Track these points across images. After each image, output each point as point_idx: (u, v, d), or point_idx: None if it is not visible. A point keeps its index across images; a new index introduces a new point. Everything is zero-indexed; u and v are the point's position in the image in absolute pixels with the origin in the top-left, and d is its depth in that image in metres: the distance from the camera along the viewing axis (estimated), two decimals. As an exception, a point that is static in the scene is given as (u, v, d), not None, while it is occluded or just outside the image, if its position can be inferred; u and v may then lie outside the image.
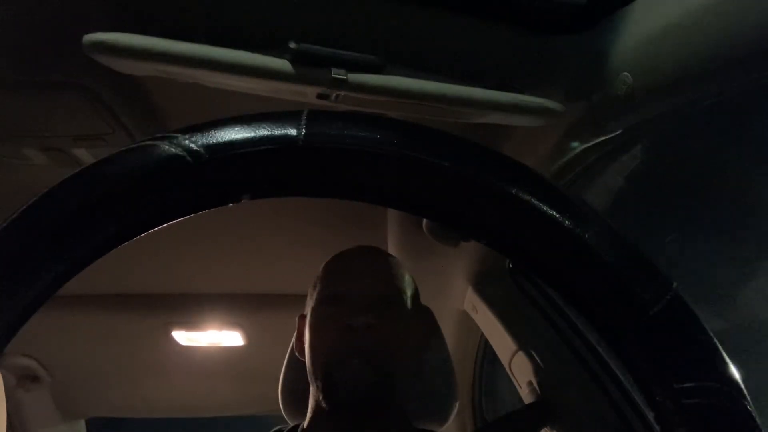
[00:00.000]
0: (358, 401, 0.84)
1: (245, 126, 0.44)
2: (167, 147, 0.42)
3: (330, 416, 0.87)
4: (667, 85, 0.81)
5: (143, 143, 0.43)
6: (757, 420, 0.41)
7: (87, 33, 0.76)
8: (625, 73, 0.84)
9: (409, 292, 0.95)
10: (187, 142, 0.42)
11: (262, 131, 0.43)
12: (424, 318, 1.00)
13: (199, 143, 0.42)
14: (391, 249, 1.51)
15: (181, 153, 0.41)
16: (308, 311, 0.95)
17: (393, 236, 1.52)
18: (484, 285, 1.41)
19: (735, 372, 0.42)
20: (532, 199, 0.45)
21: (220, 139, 0.43)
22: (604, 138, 0.97)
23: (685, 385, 0.41)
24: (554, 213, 0.45)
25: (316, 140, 0.43)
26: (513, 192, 0.45)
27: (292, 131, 0.43)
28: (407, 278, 0.97)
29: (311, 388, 0.91)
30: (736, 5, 0.67)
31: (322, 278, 0.96)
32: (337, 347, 0.86)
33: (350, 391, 0.83)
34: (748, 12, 0.66)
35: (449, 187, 0.45)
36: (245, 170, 0.43)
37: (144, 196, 0.41)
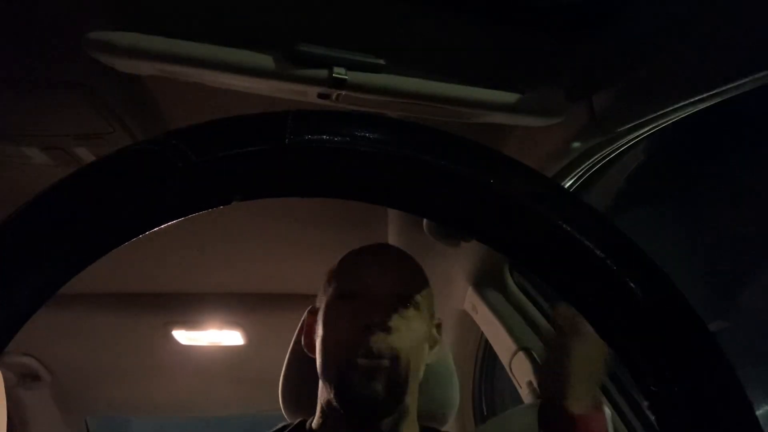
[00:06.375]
0: (372, 406, 0.83)
1: (233, 127, 0.44)
2: (156, 150, 0.42)
3: (342, 417, 0.85)
4: (668, 86, 0.81)
5: (132, 147, 0.43)
6: (753, 408, 0.41)
7: (87, 32, 0.76)
8: (626, 74, 0.84)
9: (427, 294, 0.92)
10: (175, 144, 0.42)
11: (250, 132, 0.43)
12: (436, 320, 0.98)
13: (188, 146, 0.42)
14: (392, 249, 1.51)
15: (169, 156, 0.41)
16: (321, 305, 0.92)
17: (393, 236, 1.52)
18: (484, 285, 1.41)
19: (729, 361, 0.42)
20: (526, 197, 0.45)
21: (208, 141, 0.43)
22: (605, 138, 0.97)
23: (679, 375, 0.42)
24: (547, 209, 0.45)
25: (303, 140, 0.43)
26: (508, 190, 0.45)
27: (279, 131, 0.43)
28: (425, 279, 0.94)
29: (321, 385, 0.90)
30: (735, 7, 0.67)
31: (340, 273, 0.92)
32: (353, 347, 0.83)
33: (366, 397, 0.82)
34: (746, 13, 0.66)
35: (441, 185, 0.45)
36: (234, 172, 0.43)
37: (134, 200, 0.41)
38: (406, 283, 0.90)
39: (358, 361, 0.82)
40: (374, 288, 0.87)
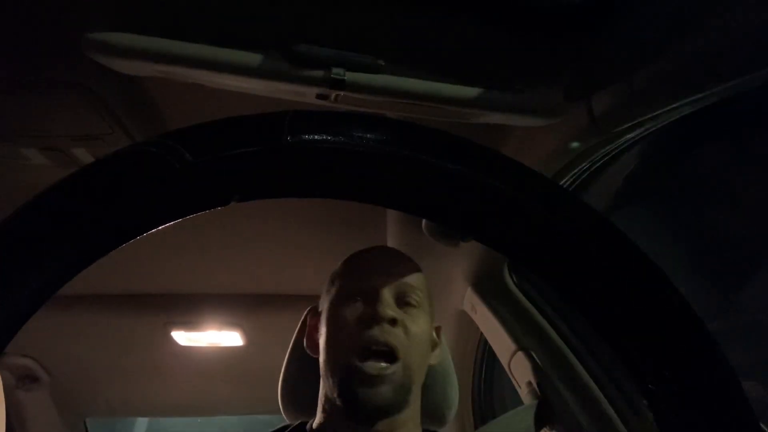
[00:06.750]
0: (377, 410, 0.83)
1: (231, 128, 0.44)
2: (153, 151, 0.42)
3: (344, 417, 0.85)
4: (667, 86, 0.81)
5: (130, 147, 0.43)
6: (751, 406, 0.41)
7: (87, 33, 0.76)
8: (625, 74, 0.84)
9: (428, 296, 0.95)
10: (172, 145, 0.42)
11: (248, 132, 0.43)
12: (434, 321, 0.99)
13: (185, 146, 0.42)
14: (391, 249, 1.51)
15: (167, 157, 0.41)
16: (325, 306, 0.93)
17: (393, 236, 1.52)
18: (483, 285, 1.41)
19: (729, 361, 0.42)
20: (526, 197, 0.45)
21: (205, 141, 0.43)
22: (603, 138, 0.97)
23: (678, 374, 0.42)
24: (547, 209, 0.45)
25: (301, 140, 0.43)
26: (508, 190, 0.45)
27: (278, 132, 0.43)
28: (425, 281, 0.96)
29: (324, 383, 0.90)
30: (735, 7, 0.67)
31: (344, 273, 0.94)
32: (359, 344, 0.84)
33: (371, 401, 0.82)
34: (746, 13, 0.66)
35: (440, 185, 0.45)
36: (232, 172, 0.43)
37: (133, 200, 0.41)
38: (409, 284, 0.92)
39: (363, 366, 0.82)
40: (378, 288, 0.88)
